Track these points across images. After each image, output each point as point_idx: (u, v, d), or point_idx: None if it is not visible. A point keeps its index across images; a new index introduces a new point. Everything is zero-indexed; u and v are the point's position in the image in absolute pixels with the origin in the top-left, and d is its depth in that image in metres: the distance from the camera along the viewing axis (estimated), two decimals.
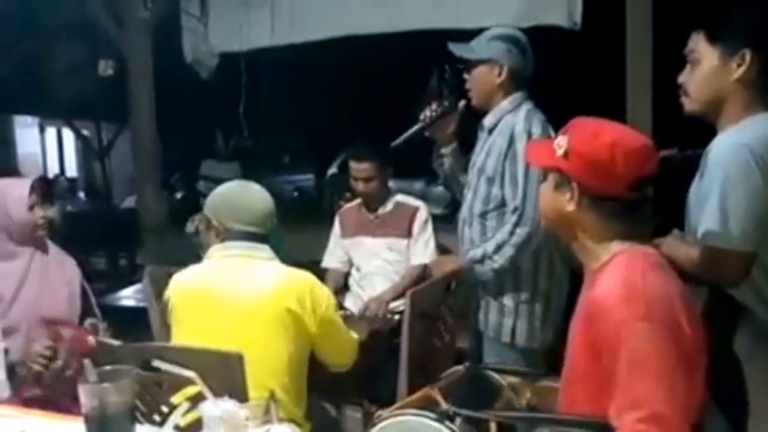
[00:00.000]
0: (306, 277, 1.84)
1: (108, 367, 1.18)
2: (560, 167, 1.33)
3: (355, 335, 2.01)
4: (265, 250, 1.87)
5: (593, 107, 1.54)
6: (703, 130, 1.70)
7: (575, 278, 2.39)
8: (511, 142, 2.24)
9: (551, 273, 2.34)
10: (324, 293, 1.85)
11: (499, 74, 2.30)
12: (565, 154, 1.32)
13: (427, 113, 2.45)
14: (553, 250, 2.32)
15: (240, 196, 1.94)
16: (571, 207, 1.32)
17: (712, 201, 1.50)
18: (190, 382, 1.41)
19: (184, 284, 1.89)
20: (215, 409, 1.10)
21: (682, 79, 1.68)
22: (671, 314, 1.22)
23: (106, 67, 4.33)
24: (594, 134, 1.33)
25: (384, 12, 3.51)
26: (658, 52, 2.97)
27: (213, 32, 3.73)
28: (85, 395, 1.14)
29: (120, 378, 1.15)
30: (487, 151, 2.34)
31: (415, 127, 2.46)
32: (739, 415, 1.27)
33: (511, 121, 2.29)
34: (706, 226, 1.52)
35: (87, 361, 1.15)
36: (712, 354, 1.27)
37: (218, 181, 2.15)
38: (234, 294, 1.78)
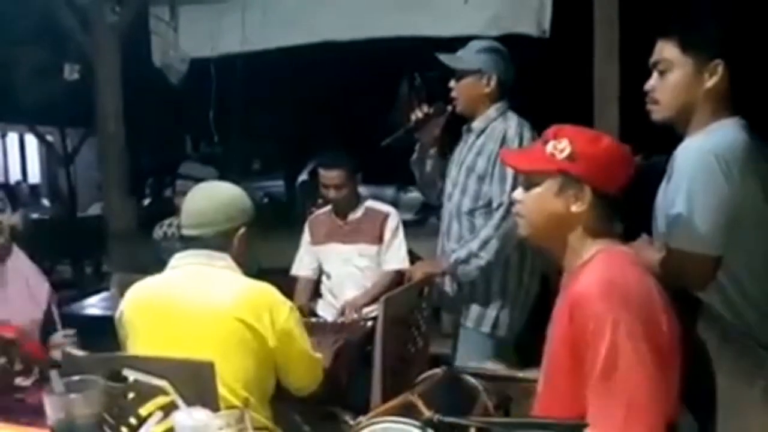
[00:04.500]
0: (264, 289, 1.75)
1: (75, 378, 1.15)
2: (568, 169, 1.35)
3: (319, 356, 1.92)
4: (223, 259, 1.76)
5: (562, 114, 1.57)
6: (669, 137, 1.74)
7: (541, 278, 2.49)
8: (503, 144, 2.35)
9: (533, 267, 2.44)
10: (283, 306, 1.76)
11: (488, 84, 2.42)
12: (571, 157, 1.34)
13: (418, 114, 2.49)
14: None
15: (190, 197, 1.83)
16: (576, 208, 1.35)
17: (679, 205, 1.53)
18: (159, 392, 1.38)
19: (138, 297, 1.80)
20: (187, 419, 1.08)
21: (649, 86, 1.70)
22: (650, 310, 1.25)
23: (71, 71, 4.24)
24: (594, 138, 1.37)
25: (356, 19, 3.52)
26: (624, 60, 3.03)
27: (183, 37, 3.69)
28: (51, 407, 1.10)
29: (87, 389, 1.12)
30: (476, 152, 2.43)
31: (405, 128, 2.51)
32: (707, 415, 1.29)
33: (500, 126, 2.40)
34: (673, 230, 1.55)
35: (54, 372, 1.12)
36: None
37: (197, 180, 2.11)
38: (189, 307, 1.70)
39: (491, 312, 2.39)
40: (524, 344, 2.50)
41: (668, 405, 1.23)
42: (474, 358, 2.27)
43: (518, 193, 1.45)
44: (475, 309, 2.41)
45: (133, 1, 3.80)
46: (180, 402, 1.28)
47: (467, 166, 2.42)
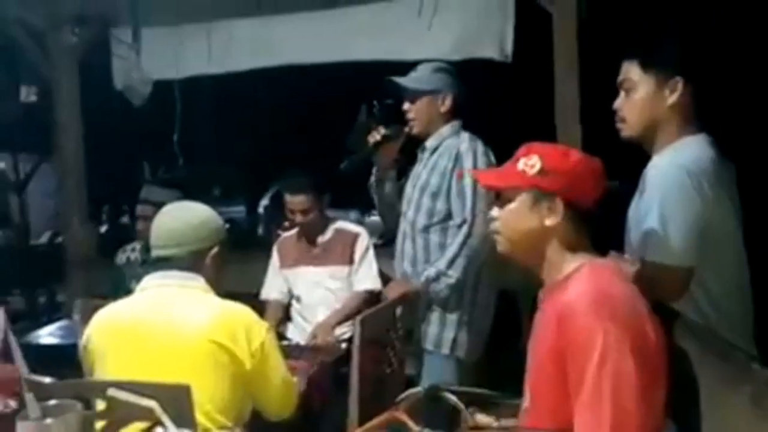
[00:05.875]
0: (240, 311, 1.73)
1: (52, 402, 1.09)
2: (539, 184, 1.38)
3: (294, 380, 1.90)
4: (196, 280, 1.73)
5: (525, 138, 1.59)
6: (632, 157, 1.79)
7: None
8: (457, 160, 2.39)
9: (490, 287, 2.47)
10: (259, 327, 1.73)
11: (443, 103, 2.47)
12: (541, 172, 1.38)
13: (376, 136, 2.51)
14: (491, 265, 2.40)
15: (160, 218, 1.80)
16: (550, 221, 1.38)
17: (652, 218, 1.58)
18: (136, 418, 1.32)
19: (106, 321, 1.74)
20: None
21: (617, 105, 1.76)
22: (637, 321, 1.26)
23: (29, 94, 4.12)
24: (563, 153, 1.42)
25: (320, 43, 3.53)
26: (585, 82, 3.11)
27: (146, 59, 3.63)
28: None
29: (65, 412, 1.07)
30: (429, 169, 2.47)
31: (363, 151, 2.53)
32: (691, 425, 1.31)
33: (453, 143, 2.45)
34: (648, 244, 1.59)
35: (29, 395, 1.06)
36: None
37: (158, 204, 2.06)
38: (161, 330, 1.66)
39: (448, 334, 2.41)
40: (490, 364, 2.52)
41: (654, 417, 1.24)
42: (436, 380, 2.26)
43: (495, 212, 1.48)
44: (432, 331, 2.42)
45: (94, 23, 3.74)
46: (169, 423, 1.23)
47: (421, 185, 2.47)
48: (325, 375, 2.42)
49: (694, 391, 1.31)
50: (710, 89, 1.75)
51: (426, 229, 2.43)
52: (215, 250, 1.78)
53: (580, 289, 1.30)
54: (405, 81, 2.49)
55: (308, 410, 2.14)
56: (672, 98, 1.66)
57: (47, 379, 1.64)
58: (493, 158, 2.42)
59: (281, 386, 1.80)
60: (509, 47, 3.27)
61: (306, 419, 2.13)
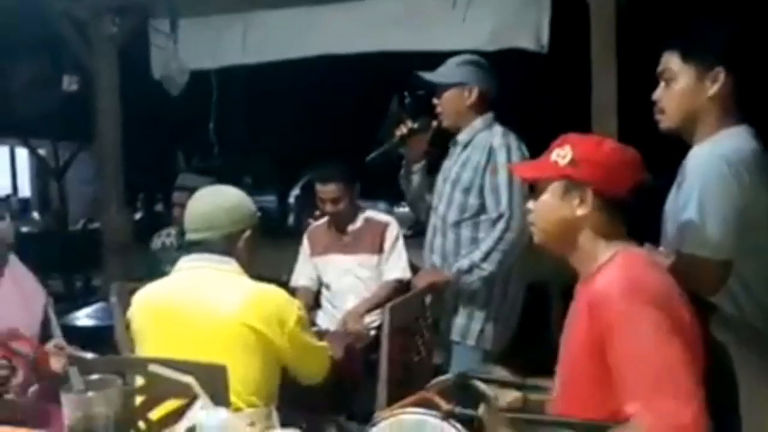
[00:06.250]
0: (272, 292, 1.75)
1: (95, 376, 1.13)
2: (570, 174, 1.38)
3: (325, 344, 1.95)
4: (229, 263, 1.75)
5: (560, 130, 1.59)
6: (668, 150, 1.76)
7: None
8: (490, 155, 2.37)
9: (521, 280, 2.47)
10: (291, 308, 1.76)
11: (470, 96, 2.45)
12: (572, 163, 1.38)
13: (403, 129, 2.51)
14: (522, 258, 2.40)
15: (194, 202, 1.83)
16: (581, 211, 1.38)
17: (691, 210, 1.55)
18: (173, 394, 1.36)
19: (146, 301, 1.80)
20: (211, 419, 1.06)
21: (656, 96, 1.73)
22: (673, 307, 1.26)
23: (70, 83, 4.22)
24: (597, 142, 1.42)
25: (355, 34, 3.54)
26: (622, 74, 3.07)
27: (183, 49, 3.69)
28: (68, 405, 1.08)
29: (106, 387, 1.10)
30: (461, 164, 2.45)
31: (390, 143, 2.53)
32: (728, 420, 1.29)
33: (486, 137, 2.42)
34: (685, 235, 1.56)
35: (73, 369, 1.10)
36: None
37: (193, 191, 2.11)
38: (196, 311, 1.69)
39: (475, 325, 2.41)
40: (518, 355, 2.52)
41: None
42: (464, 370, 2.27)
43: (530, 204, 1.49)
44: (459, 322, 2.43)
45: (133, 13, 3.81)
46: (206, 399, 1.26)
47: (452, 179, 2.45)
48: (357, 354, 2.44)
49: (732, 389, 1.29)
50: (752, 80, 1.71)
51: (457, 224, 2.43)
52: (247, 233, 1.81)
53: (611, 276, 1.30)
54: (430, 75, 2.49)
55: (342, 378, 2.16)
56: (713, 89, 1.62)
57: (90, 355, 1.70)
58: (526, 152, 2.40)
59: (314, 356, 1.86)
60: (545, 37, 3.24)
61: (340, 388, 2.15)
